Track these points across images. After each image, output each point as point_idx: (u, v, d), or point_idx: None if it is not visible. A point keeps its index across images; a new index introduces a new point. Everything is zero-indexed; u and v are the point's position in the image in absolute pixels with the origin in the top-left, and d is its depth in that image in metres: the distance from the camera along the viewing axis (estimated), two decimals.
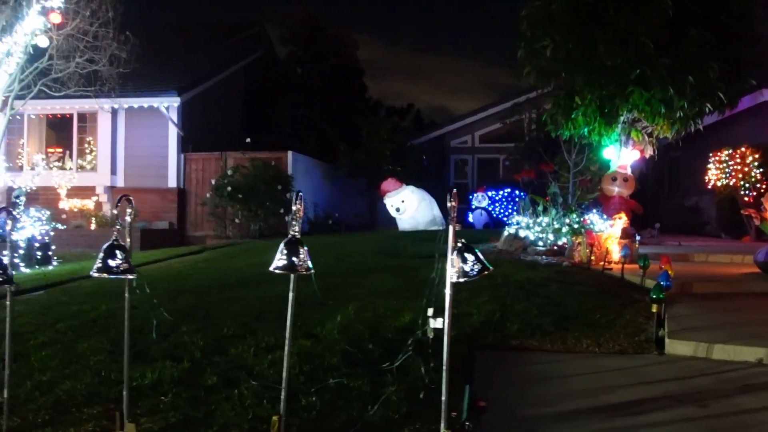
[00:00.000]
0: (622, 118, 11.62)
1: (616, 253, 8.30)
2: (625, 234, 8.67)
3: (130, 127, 17.43)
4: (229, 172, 15.22)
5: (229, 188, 14.70)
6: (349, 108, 22.46)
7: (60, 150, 17.91)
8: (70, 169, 17.25)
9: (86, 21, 11.88)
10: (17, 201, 10.16)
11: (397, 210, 16.77)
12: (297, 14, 21.80)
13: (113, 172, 17.29)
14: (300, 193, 3.46)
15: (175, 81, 17.08)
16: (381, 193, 17.24)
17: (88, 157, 17.50)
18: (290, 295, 3.27)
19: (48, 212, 10.70)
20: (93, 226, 15.93)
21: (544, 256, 8.99)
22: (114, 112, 17.21)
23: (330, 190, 20.21)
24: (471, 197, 18.43)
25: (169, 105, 16.73)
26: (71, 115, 17.39)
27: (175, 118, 17.04)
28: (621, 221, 8.85)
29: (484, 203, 17.99)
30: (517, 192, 18.71)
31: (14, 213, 9.78)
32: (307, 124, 20.76)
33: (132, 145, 17.37)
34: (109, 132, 17.29)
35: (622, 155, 12.11)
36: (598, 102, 11.42)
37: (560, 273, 7.63)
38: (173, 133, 17.23)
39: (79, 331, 5.45)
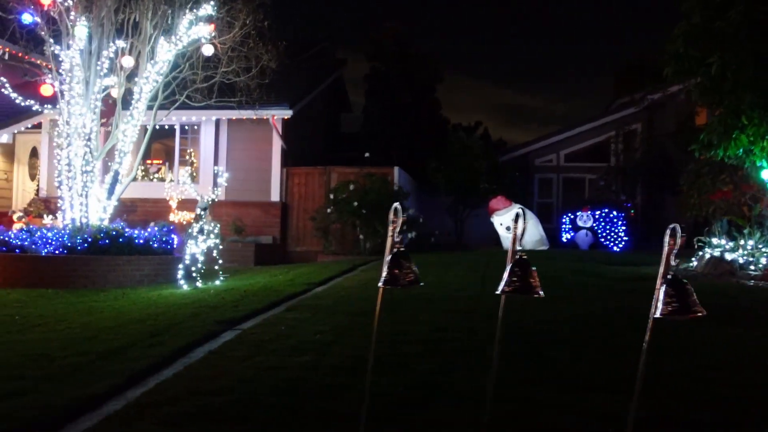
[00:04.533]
0: None
1: None
2: None
3: (233, 139, 17.12)
4: (351, 187, 14.87)
5: (356, 203, 14.34)
6: (428, 124, 22.27)
7: (159, 161, 17.57)
8: (172, 181, 16.88)
9: (242, 30, 11.59)
10: (202, 213, 9.77)
11: (507, 228, 16.47)
12: (385, 31, 21.66)
13: (215, 184, 16.89)
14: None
15: (281, 94, 16.77)
16: (489, 211, 16.96)
17: (189, 170, 17.15)
18: None
19: (218, 225, 10.30)
20: None
21: (762, 281, 8.68)
22: (217, 124, 16.91)
23: (420, 207, 19.90)
24: (574, 217, 18.14)
25: (278, 117, 16.43)
26: (171, 126, 17.04)
27: (280, 130, 16.74)
28: None
29: (590, 223, 17.72)
30: (614, 213, 18.49)
31: (201, 225, 9.45)
32: (395, 141, 20.49)
33: (234, 158, 17.02)
34: (213, 144, 16.96)
35: None
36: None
37: None
38: (277, 146, 16.93)
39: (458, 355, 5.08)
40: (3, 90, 11.33)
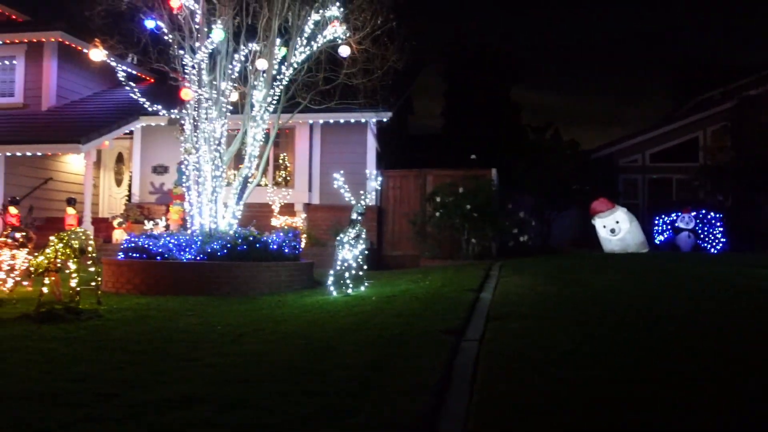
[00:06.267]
0: None
1: None
2: None
3: (326, 142, 16.92)
4: (460, 189, 14.57)
5: (468, 206, 14.05)
6: (507, 125, 21.96)
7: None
8: (266, 185, 16.72)
9: (374, 31, 11.36)
10: (359, 219, 9.55)
11: (612, 231, 16.11)
12: (457, 32, 21.39)
13: (310, 189, 16.74)
14: None
15: (376, 95, 16.54)
16: (591, 213, 16.61)
17: (283, 173, 17.00)
18: None
19: (365, 230, 10.06)
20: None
21: None
22: (311, 127, 16.73)
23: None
24: (674, 219, 17.67)
25: (377, 120, 16.19)
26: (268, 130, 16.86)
27: (375, 132, 16.52)
28: None
29: (691, 225, 17.23)
30: (712, 214, 17.98)
31: (357, 230, 9.19)
32: (476, 142, 20.20)
33: (327, 162, 16.79)
34: (307, 147, 16.78)
35: None
36: None
37: None
38: (372, 148, 16.68)
39: None
40: (132, 95, 11.21)
